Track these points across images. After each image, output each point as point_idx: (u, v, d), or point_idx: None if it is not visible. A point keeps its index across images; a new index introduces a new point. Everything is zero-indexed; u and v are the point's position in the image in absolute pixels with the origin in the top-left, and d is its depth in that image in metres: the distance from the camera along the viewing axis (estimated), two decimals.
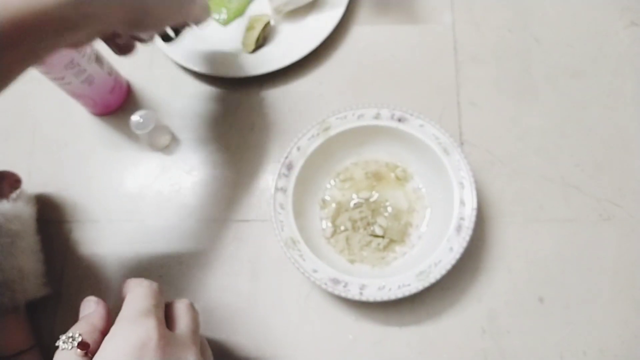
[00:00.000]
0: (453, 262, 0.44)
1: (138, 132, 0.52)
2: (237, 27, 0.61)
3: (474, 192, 0.46)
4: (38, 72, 0.50)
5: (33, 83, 0.61)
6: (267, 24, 0.59)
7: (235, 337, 0.48)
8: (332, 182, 0.53)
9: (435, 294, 0.48)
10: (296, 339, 0.48)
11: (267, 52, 0.58)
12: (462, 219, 0.46)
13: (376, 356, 0.47)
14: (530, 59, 0.57)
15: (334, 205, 0.52)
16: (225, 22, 0.61)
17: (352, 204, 0.51)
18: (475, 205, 0.46)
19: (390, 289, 0.44)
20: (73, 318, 0.34)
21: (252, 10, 0.62)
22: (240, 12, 0.61)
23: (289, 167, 0.49)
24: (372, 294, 0.44)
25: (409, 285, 0.44)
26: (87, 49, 0.51)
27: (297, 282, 0.50)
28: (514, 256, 0.49)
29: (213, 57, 0.58)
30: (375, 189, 0.52)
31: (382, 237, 0.50)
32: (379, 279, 0.45)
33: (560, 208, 0.50)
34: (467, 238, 0.45)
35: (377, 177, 0.52)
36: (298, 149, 0.50)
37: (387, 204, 0.51)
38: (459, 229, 0.45)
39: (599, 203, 0.50)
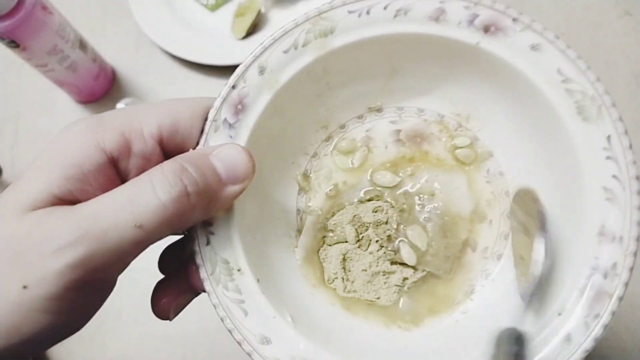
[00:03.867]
0: None
1: None
2: (226, 13, 0.59)
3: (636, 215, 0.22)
4: (21, 59, 0.48)
5: (16, 71, 0.60)
6: (259, 11, 0.57)
7: None
8: (327, 144, 0.29)
9: None
10: None
11: (257, 39, 0.57)
12: (595, 269, 0.22)
13: None
14: None
15: (325, 189, 0.29)
16: (213, 8, 0.60)
17: (362, 193, 0.29)
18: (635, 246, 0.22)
19: None
20: None
21: None
22: None
23: (239, 108, 0.24)
24: None
25: None
26: (71, 35, 0.49)
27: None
28: None
29: (201, 44, 0.57)
30: (411, 169, 0.28)
31: (413, 268, 0.28)
32: None
33: None
34: (608, 318, 0.22)
35: (417, 148, 0.28)
36: (261, 71, 0.24)
37: (431, 197, 0.27)
38: (593, 292, 0.22)
39: None
